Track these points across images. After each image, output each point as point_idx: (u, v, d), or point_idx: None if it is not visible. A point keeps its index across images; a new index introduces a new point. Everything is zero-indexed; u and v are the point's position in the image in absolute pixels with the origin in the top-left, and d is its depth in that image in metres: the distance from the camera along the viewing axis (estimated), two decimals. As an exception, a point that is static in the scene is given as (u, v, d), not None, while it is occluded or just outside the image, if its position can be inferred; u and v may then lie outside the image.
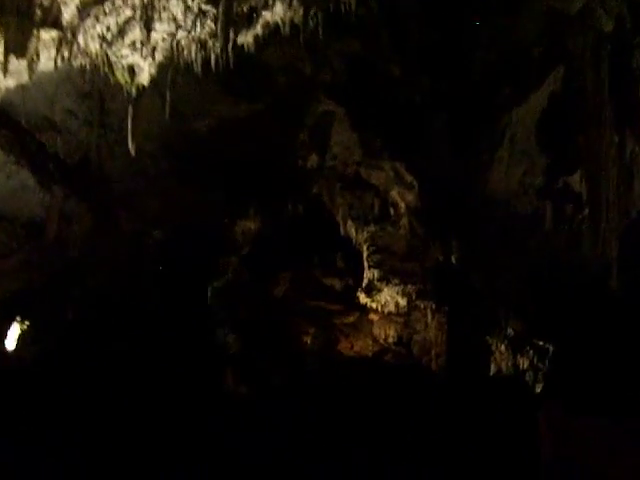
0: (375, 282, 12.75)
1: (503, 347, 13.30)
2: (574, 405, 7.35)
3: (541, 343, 14.09)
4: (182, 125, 9.42)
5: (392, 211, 13.38)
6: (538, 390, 12.24)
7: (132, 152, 8.42)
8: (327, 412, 10.86)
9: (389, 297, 12.71)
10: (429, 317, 12.98)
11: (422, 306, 12.98)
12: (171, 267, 10.85)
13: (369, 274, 12.84)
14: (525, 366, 13.28)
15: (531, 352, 13.68)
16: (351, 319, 13.50)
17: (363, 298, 12.58)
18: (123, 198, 9.86)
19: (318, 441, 9.87)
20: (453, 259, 12.27)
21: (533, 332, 12.67)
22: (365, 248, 13.06)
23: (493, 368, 13.04)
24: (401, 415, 11.11)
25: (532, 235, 10.82)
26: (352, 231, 13.64)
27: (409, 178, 11.17)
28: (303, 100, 9.97)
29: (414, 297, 12.75)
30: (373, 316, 13.95)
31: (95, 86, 8.79)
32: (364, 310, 13.51)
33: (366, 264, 12.91)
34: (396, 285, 12.68)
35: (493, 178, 10.74)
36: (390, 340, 13.09)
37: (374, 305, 12.76)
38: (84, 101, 8.96)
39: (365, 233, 13.11)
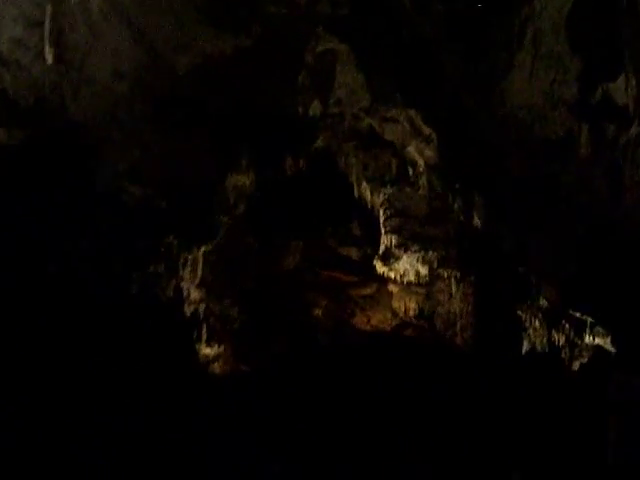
0: (393, 249, 11.88)
1: (537, 322, 11.86)
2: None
3: (578, 315, 12.60)
4: (157, 62, 8.07)
5: (410, 170, 12.13)
6: (575, 368, 10.76)
7: (48, 59, 7.02)
8: (338, 391, 10.00)
9: (408, 265, 11.85)
10: (453, 287, 11.94)
11: (445, 275, 11.97)
12: (152, 227, 9.65)
13: (386, 240, 11.95)
14: (561, 342, 11.80)
15: (567, 326, 11.91)
16: (368, 291, 12.72)
17: (380, 267, 11.51)
18: (92, 148, 8.63)
19: (326, 422, 9.13)
20: (477, 220, 10.92)
21: (570, 302, 11.24)
22: (382, 212, 12.17)
23: (526, 345, 11.67)
24: (423, 395, 10.24)
25: (564, 169, 8.78)
26: (367, 194, 12.43)
27: (427, 130, 9.87)
28: (299, 36, 8.57)
29: (436, 265, 11.81)
30: (392, 287, 12.58)
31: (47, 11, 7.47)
32: (383, 281, 12.64)
33: (383, 229, 11.99)
34: (416, 252, 11.83)
35: (512, 89, 8.60)
36: (411, 313, 12.24)
37: (392, 275, 11.94)
38: (35, 29, 7.63)
39: (381, 195, 12.21)
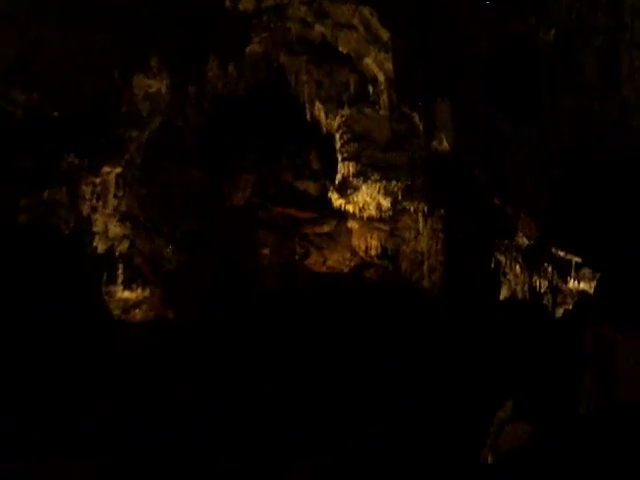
0: (351, 178, 10.52)
1: (518, 267, 11.13)
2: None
3: (562, 254, 11.20)
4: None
5: (370, 88, 10.46)
6: (559, 315, 10.16)
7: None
8: (286, 340, 9.20)
9: (369, 197, 10.58)
10: (420, 223, 10.78)
11: (411, 209, 10.78)
12: (44, 143, 8.00)
13: (343, 169, 10.60)
14: (543, 288, 11.09)
15: (550, 269, 11.02)
16: (326, 229, 11.36)
17: (336, 199, 10.54)
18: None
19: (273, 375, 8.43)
20: (445, 143, 9.43)
21: (551, 238, 9.82)
22: (338, 137, 10.74)
23: (505, 291, 11.04)
24: (385, 346, 9.48)
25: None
26: (322, 116, 10.77)
27: (385, 35, 8.16)
28: None
29: (400, 197, 10.57)
30: (352, 224, 11.19)
31: None
32: (342, 217, 11.37)
33: (339, 156, 10.65)
34: (377, 181, 10.49)
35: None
36: (372, 252, 10.98)
37: (351, 208, 10.72)
38: None
39: (338, 118, 10.73)
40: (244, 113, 11.48)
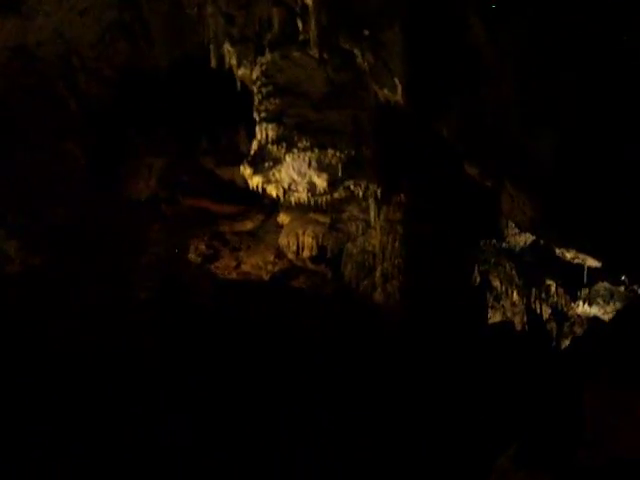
0: (270, 146, 7.56)
1: (516, 295, 9.66)
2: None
3: (570, 256, 8.53)
4: None
5: (300, 24, 7.49)
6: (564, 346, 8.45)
7: None
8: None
9: (296, 174, 7.66)
10: (371, 212, 8.20)
11: (358, 192, 7.96)
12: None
13: (261, 134, 7.63)
14: (545, 314, 9.61)
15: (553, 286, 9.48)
16: (248, 225, 9.26)
17: (251, 176, 7.62)
18: None
19: None
20: (400, 92, 6.60)
21: (555, 230, 6.89)
22: (256, 91, 7.78)
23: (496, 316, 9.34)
24: (313, 385, 6.89)
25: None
26: (233, 62, 7.80)
27: None
28: None
29: (341, 173, 7.65)
30: (284, 218, 8.29)
31: None
32: (274, 211, 9.11)
33: (257, 117, 7.70)
34: (306, 151, 7.56)
35: None
36: (305, 254, 8.55)
37: (272, 190, 7.80)
38: None
39: (257, 67, 7.77)
40: (159, 84, 9.61)
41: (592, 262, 7.87)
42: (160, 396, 6.38)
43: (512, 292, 9.85)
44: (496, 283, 9.85)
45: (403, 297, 7.77)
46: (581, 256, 7.77)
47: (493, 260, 9.72)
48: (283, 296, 7.66)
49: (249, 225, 8.90)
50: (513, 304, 9.85)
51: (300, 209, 8.55)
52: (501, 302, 9.93)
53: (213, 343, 6.51)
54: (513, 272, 9.82)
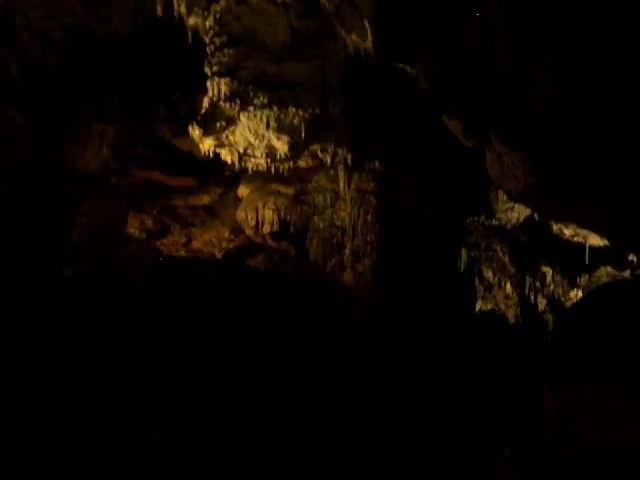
0: (222, 104, 6.57)
1: (509, 287, 8.64)
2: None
3: (569, 233, 7.61)
4: None
5: None
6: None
7: None
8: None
9: (253, 136, 6.67)
10: (341, 182, 7.28)
11: (326, 158, 7.12)
12: None
13: (212, 90, 6.66)
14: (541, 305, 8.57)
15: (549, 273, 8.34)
16: (205, 199, 8.31)
17: (201, 138, 6.61)
18: None
19: None
20: (370, 39, 5.67)
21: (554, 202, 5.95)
22: (208, 41, 6.79)
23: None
24: (272, 376, 6.07)
25: None
26: (182, 11, 6.81)
27: None
28: None
29: (304, 136, 6.67)
30: (244, 190, 7.32)
31: None
32: (235, 183, 8.08)
33: (208, 70, 6.73)
34: (264, 109, 6.59)
35: None
36: (266, 229, 7.48)
37: (225, 154, 6.79)
38: None
39: (211, 15, 6.74)
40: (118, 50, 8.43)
41: (594, 240, 6.86)
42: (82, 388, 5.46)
43: (505, 283, 8.87)
44: (488, 274, 8.88)
45: (376, 278, 6.98)
46: (582, 232, 6.75)
47: (484, 245, 8.72)
48: (237, 276, 6.64)
49: (206, 199, 7.96)
50: (506, 297, 8.88)
51: (262, 179, 7.58)
52: (493, 292, 8.97)
53: (144, 327, 5.50)
54: (506, 258, 8.84)
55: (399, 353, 6.71)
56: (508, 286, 8.82)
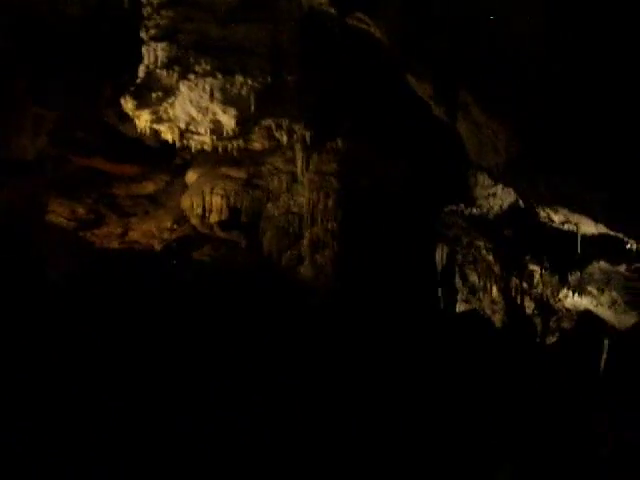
0: (158, 72, 5.75)
1: (495, 291, 7.82)
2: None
3: (558, 219, 6.88)
4: None
5: None
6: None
7: None
8: None
9: (195, 109, 5.85)
10: (298, 162, 6.50)
11: (281, 135, 6.31)
12: None
13: (148, 56, 5.80)
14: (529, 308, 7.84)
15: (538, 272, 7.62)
16: (150, 187, 7.42)
17: (133, 110, 5.77)
18: None
19: None
20: None
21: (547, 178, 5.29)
22: (145, 1, 5.91)
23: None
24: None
25: None
26: None
27: None
28: None
29: (254, 109, 5.87)
30: (191, 175, 6.54)
31: None
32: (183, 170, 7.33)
33: (144, 35, 5.84)
34: (207, 77, 5.79)
35: None
36: (213, 218, 6.65)
37: (164, 131, 5.90)
38: None
39: None
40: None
41: (587, 227, 6.03)
42: None
43: (491, 287, 8.10)
44: (473, 277, 8.10)
45: (337, 272, 6.22)
46: (573, 218, 5.92)
47: (466, 241, 7.92)
48: (177, 271, 5.78)
49: (150, 187, 7.19)
50: (493, 301, 8.11)
51: (212, 163, 6.74)
52: (477, 296, 8.18)
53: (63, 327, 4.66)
54: (490, 257, 8.03)
55: (360, 353, 5.93)
56: (495, 290, 8.05)
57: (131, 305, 5.72)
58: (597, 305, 7.82)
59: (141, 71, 6.23)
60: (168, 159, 8.07)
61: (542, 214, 6.52)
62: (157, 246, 6.27)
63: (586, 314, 7.58)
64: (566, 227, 6.52)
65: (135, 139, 8.20)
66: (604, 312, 7.58)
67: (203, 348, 5.78)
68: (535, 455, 5.12)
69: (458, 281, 8.34)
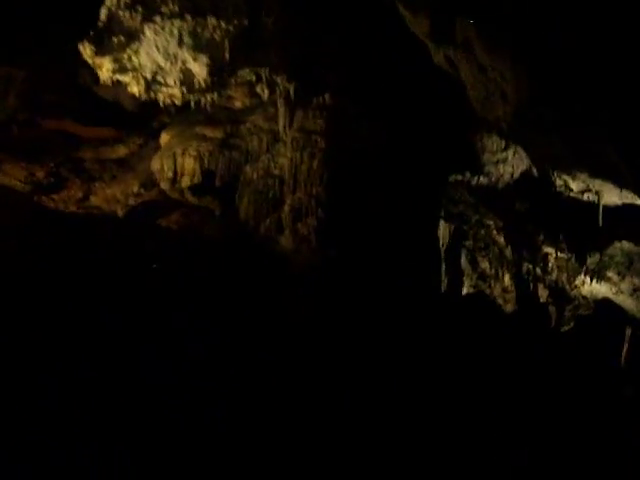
0: (122, 14, 5.26)
1: (508, 278, 6.73)
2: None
3: (576, 188, 5.94)
4: None
5: None
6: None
7: None
8: None
9: (162, 57, 5.32)
10: (281, 118, 5.72)
11: (261, 89, 5.69)
12: None
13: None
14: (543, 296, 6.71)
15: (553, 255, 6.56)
16: (121, 151, 6.66)
17: (92, 57, 5.25)
18: None
19: None
20: None
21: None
22: None
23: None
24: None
25: None
26: None
27: None
28: None
29: (231, 57, 5.33)
30: (164, 136, 6.31)
31: None
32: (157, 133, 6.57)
33: None
34: (176, 18, 5.24)
35: None
36: (185, 182, 5.84)
37: (129, 82, 5.37)
38: None
39: None
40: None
41: (610, 196, 5.27)
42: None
43: (503, 274, 7.39)
44: (485, 264, 7.38)
45: (321, 243, 5.45)
46: (595, 184, 5.18)
47: (475, 219, 7.18)
48: (141, 239, 5.11)
49: (122, 151, 6.39)
50: (504, 289, 7.39)
51: (187, 123, 6.05)
52: (488, 282, 7.47)
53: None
54: (501, 238, 7.29)
55: (347, 337, 5.23)
56: (507, 278, 7.34)
57: (82, 275, 5.09)
58: (617, 292, 7.12)
59: (102, 13, 5.59)
60: (146, 123, 7.47)
61: (558, 182, 5.79)
62: (120, 212, 5.62)
63: (604, 302, 6.95)
64: (585, 197, 5.78)
65: (111, 102, 7.60)
66: (625, 300, 6.85)
67: (162, 325, 5.17)
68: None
69: (467, 266, 7.64)
